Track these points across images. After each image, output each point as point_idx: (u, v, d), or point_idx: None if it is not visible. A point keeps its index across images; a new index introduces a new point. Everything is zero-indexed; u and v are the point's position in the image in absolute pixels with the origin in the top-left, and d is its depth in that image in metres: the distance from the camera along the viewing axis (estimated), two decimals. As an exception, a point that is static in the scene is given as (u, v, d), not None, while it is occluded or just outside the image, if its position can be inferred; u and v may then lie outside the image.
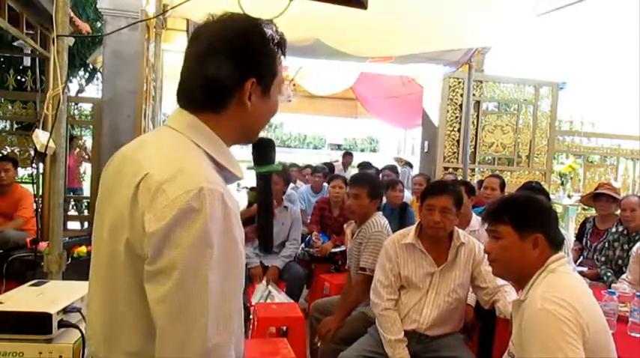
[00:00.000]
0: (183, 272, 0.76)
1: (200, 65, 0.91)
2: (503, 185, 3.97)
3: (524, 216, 1.58)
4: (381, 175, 5.81)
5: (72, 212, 5.70)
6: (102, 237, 0.90)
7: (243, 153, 1.38)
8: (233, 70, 0.90)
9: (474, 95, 5.39)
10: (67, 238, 3.64)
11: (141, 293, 0.82)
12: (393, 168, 5.97)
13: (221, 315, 0.80)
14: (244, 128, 0.96)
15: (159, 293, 0.78)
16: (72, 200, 5.78)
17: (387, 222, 2.95)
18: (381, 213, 3.00)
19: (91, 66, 8.96)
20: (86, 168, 6.76)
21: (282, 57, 0.97)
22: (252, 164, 1.15)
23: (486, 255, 1.68)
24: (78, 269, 3.26)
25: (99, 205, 0.95)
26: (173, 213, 0.77)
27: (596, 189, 4.11)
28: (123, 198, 0.84)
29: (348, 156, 9.21)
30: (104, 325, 0.91)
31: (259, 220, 1.19)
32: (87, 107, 5.32)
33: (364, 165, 6.66)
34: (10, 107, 5.21)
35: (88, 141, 6.27)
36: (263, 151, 1.13)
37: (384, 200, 4.48)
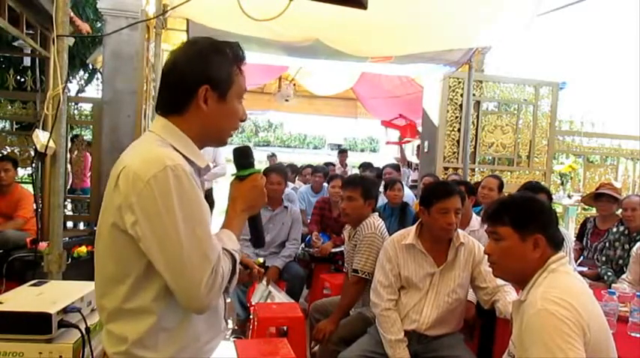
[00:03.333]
0: (168, 228, 1.02)
1: (166, 78, 1.16)
2: (501, 186, 3.95)
3: (524, 217, 1.57)
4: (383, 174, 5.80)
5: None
6: (100, 222, 1.13)
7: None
8: (187, 79, 1.13)
9: (474, 95, 5.38)
10: (67, 238, 3.64)
11: (125, 263, 1.07)
12: (395, 167, 5.94)
13: (199, 248, 1.04)
14: (207, 129, 1.16)
15: (153, 247, 1.02)
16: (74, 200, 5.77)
17: (382, 223, 2.94)
18: (376, 214, 2.99)
19: (91, 66, 8.95)
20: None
21: (238, 71, 1.18)
22: (236, 171, 1.27)
23: (487, 256, 1.67)
24: (78, 269, 3.26)
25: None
26: (150, 190, 1.01)
27: (597, 189, 4.11)
28: (108, 191, 1.09)
29: (342, 153, 9.03)
30: (97, 292, 1.15)
31: (249, 220, 1.29)
32: (87, 107, 5.30)
33: (365, 166, 6.65)
34: (10, 107, 5.19)
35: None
36: (242, 158, 1.26)
37: (385, 200, 4.49)
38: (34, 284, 1.87)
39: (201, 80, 1.12)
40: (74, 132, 6.37)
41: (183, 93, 1.13)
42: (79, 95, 9.47)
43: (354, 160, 9.88)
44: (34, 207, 4.00)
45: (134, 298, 1.08)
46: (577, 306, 1.36)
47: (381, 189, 4.53)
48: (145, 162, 1.03)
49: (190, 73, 1.13)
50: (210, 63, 1.13)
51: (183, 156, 1.11)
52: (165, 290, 1.06)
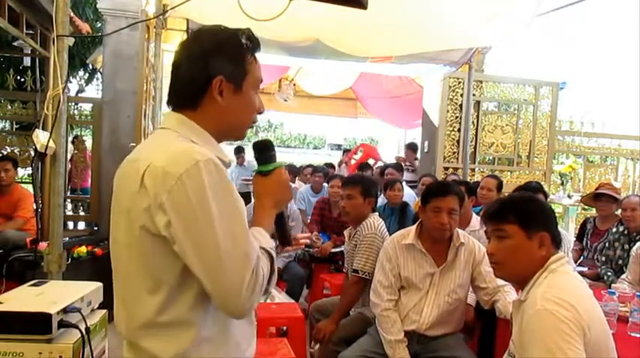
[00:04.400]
0: (204, 228, 0.94)
1: (177, 71, 1.08)
2: (500, 186, 3.95)
3: (531, 215, 1.55)
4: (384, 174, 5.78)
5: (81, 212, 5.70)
6: (116, 232, 1.05)
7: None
8: (200, 70, 1.05)
9: (474, 95, 5.38)
10: (67, 238, 3.64)
11: (158, 270, 0.99)
12: (397, 167, 5.91)
13: (238, 247, 0.96)
14: (224, 122, 1.09)
15: (188, 249, 0.94)
16: (74, 200, 5.78)
17: (382, 223, 2.94)
18: (377, 214, 2.99)
19: (91, 66, 8.96)
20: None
21: (252, 59, 1.10)
22: (257, 167, 1.21)
23: (489, 257, 1.63)
24: (78, 270, 3.27)
25: (112, 206, 1.09)
26: (182, 187, 0.93)
27: (596, 189, 4.11)
28: (129, 194, 0.99)
29: (348, 152, 8.97)
30: (122, 305, 1.06)
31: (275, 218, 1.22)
32: (87, 107, 5.31)
33: (363, 166, 6.64)
34: (10, 107, 5.20)
35: (87, 141, 6.27)
36: (263, 152, 1.19)
37: (384, 200, 4.49)
38: (34, 284, 1.87)
39: (215, 71, 1.04)
40: (74, 133, 6.38)
41: (196, 86, 1.06)
42: (79, 95, 9.47)
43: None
44: (34, 207, 4.00)
45: (170, 309, 0.99)
46: (577, 306, 1.36)
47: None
48: (174, 158, 0.95)
49: (203, 64, 1.05)
50: (223, 52, 1.06)
51: None
52: (202, 296, 0.99)
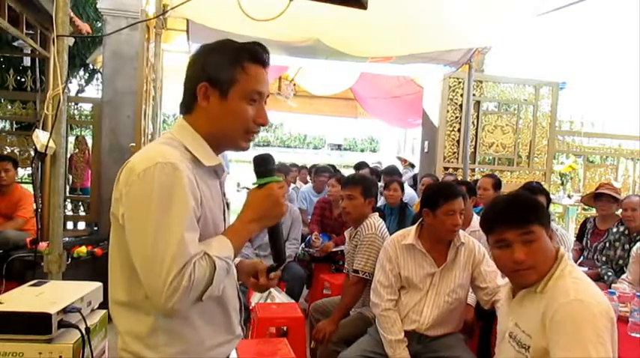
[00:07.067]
0: (142, 223, 1.03)
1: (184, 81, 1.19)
2: (497, 185, 3.94)
3: (543, 212, 1.57)
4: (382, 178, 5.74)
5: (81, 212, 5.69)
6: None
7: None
8: (190, 78, 1.16)
9: (474, 95, 5.38)
10: (67, 238, 3.64)
11: (123, 254, 1.08)
12: (390, 172, 5.77)
13: (170, 247, 1.01)
14: (213, 127, 1.15)
15: (130, 239, 1.05)
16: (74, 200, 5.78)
17: (382, 223, 2.94)
18: (377, 214, 2.99)
19: (91, 66, 8.97)
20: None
21: (242, 70, 1.13)
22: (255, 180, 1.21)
23: (518, 265, 1.51)
24: (78, 269, 3.27)
25: None
26: (138, 183, 1.03)
27: (596, 189, 4.11)
28: (114, 184, 1.11)
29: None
30: (109, 282, 1.16)
31: (268, 233, 1.24)
32: (87, 107, 5.32)
33: (359, 166, 6.62)
34: (10, 107, 5.21)
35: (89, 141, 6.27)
36: (260, 165, 1.20)
37: (384, 200, 4.48)
38: (34, 284, 1.87)
39: (201, 78, 1.14)
40: (74, 133, 6.38)
41: (188, 93, 1.17)
42: (79, 95, 9.48)
43: (355, 160, 9.89)
44: (34, 207, 4.00)
45: (132, 289, 1.09)
46: (606, 300, 1.39)
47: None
48: (142, 158, 1.07)
49: (192, 72, 1.16)
50: (209, 61, 1.15)
51: (193, 155, 1.12)
52: None
